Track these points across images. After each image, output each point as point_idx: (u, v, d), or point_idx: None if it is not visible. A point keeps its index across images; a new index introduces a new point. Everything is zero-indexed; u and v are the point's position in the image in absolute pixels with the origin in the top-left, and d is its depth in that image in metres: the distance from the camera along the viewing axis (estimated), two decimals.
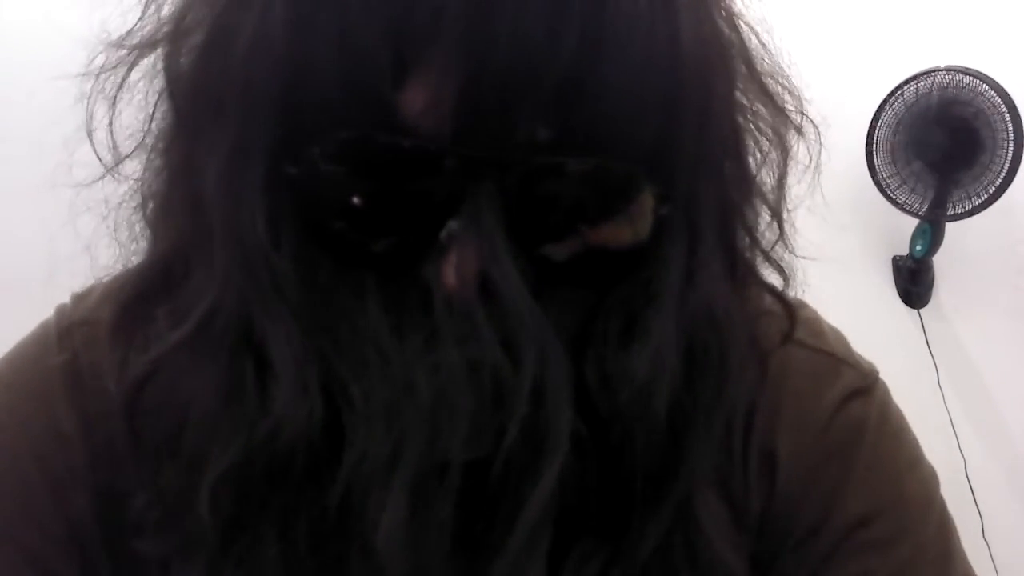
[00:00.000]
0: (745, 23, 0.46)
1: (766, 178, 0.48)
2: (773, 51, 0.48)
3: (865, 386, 0.52)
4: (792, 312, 0.50)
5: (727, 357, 0.44)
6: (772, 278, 0.49)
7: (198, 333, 0.40)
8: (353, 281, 0.40)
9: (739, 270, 0.46)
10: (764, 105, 0.47)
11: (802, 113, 0.49)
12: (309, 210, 0.39)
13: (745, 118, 0.46)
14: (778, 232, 0.48)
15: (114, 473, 0.46)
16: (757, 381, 0.48)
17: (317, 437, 0.39)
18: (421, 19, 0.36)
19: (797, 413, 0.50)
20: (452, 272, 0.38)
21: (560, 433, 0.38)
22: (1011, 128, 1.49)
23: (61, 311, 0.51)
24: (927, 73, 1.55)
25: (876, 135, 1.60)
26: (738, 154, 0.45)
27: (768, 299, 0.50)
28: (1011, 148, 1.50)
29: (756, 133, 0.47)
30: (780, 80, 0.48)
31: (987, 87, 1.50)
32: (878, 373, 0.54)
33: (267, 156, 0.39)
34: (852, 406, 0.51)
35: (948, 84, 1.54)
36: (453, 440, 0.38)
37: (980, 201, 1.54)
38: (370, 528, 0.38)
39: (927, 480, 0.53)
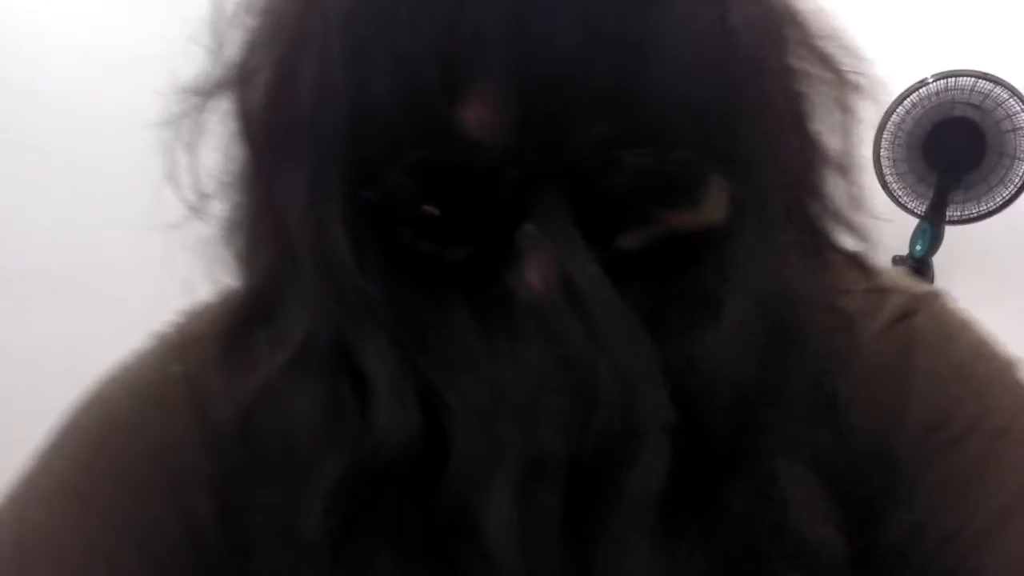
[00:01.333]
0: None
1: (833, 142, 0.47)
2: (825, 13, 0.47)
3: (914, 307, 0.50)
4: (871, 274, 0.49)
5: (807, 332, 0.43)
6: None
7: (297, 357, 0.42)
8: (437, 294, 0.41)
9: (814, 240, 0.46)
10: (821, 69, 0.46)
11: (861, 73, 0.48)
12: (389, 231, 0.41)
13: (804, 84, 0.46)
14: (849, 195, 0.48)
15: (230, 491, 0.48)
16: (847, 353, 0.47)
17: (419, 447, 0.40)
18: (464, 42, 0.38)
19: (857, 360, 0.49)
20: (533, 274, 0.40)
21: (653, 418, 0.39)
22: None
23: (177, 326, 0.53)
24: (942, 76, 1.51)
25: (882, 135, 1.56)
26: (800, 123, 0.45)
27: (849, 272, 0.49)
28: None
29: (817, 98, 0.47)
30: (836, 41, 0.47)
31: (1000, 89, 1.47)
32: (936, 294, 0.52)
33: (343, 185, 0.41)
34: (899, 327, 0.50)
35: (955, 87, 1.50)
36: (549, 436, 0.39)
37: (995, 205, 1.51)
38: (479, 526, 0.39)
39: (999, 366, 0.50)
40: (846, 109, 0.47)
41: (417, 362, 0.41)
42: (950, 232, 1.57)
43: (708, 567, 0.43)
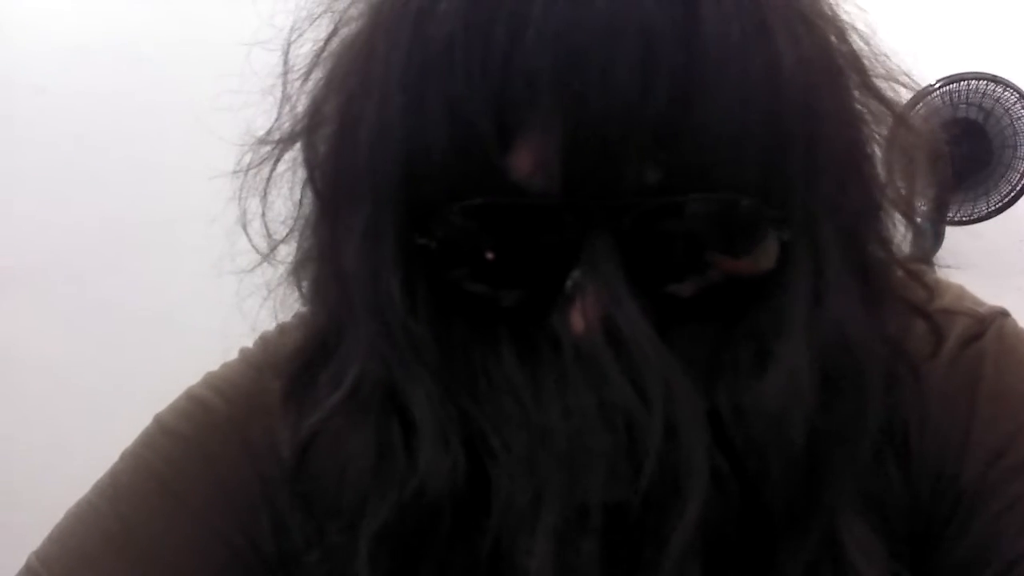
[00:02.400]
0: (853, 28, 0.46)
1: (896, 184, 0.47)
2: (887, 52, 0.47)
3: (980, 330, 0.49)
4: (938, 326, 0.48)
5: (865, 379, 0.42)
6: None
7: (349, 398, 0.43)
8: (486, 337, 0.42)
9: (874, 286, 0.45)
10: (882, 111, 0.46)
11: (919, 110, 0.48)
12: (440, 275, 0.42)
13: (866, 125, 0.46)
14: (912, 239, 0.47)
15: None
16: (911, 399, 0.46)
17: (463, 490, 0.40)
18: (517, 88, 0.38)
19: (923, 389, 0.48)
20: (578, 319, 0.40)
21: (698, 468, 0.39)
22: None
23: (264, 345, 0.55)
24: (949, 82, 1.48)
25: None
26: (859, 166, 0.45)
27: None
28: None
29: (876, 139, 0.46)
30: (899, 80, 0.47)
31: (1001, 89, 1.43)
32: (1000, 315, 0.50)
33: (397, 230, 0.42)
34: (966, 352, 0.48)
35: (959, 90, 1.47)
36: (592, 482, 0.39)
37: (996, 206, 1.47)
38: (521, 575, 0.39)
39: None
40: (906, 150, 0.47)
41: (463, 405, 0.41)
42: (950, 232, 1.52)
43: None
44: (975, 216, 1.52)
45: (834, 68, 0.44)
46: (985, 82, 1.47)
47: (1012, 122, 1.46)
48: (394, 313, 0.42)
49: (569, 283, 0.40)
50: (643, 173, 0.39)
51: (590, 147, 0.38)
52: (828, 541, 0.42)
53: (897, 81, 0.47)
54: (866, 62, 0.46)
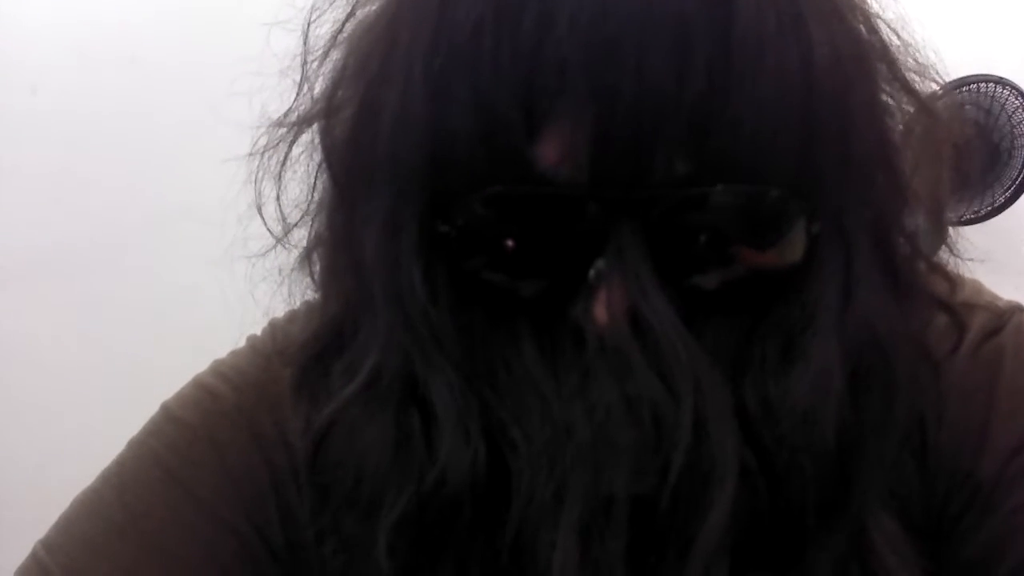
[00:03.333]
0: (884, 22, 0.45)
1: (925, 181, 0.46)
2: (917, 46, 0.46)
3: (999, 325, 0.49)
4: (960, 322, 0.47)
5: (894, 375, 0.42)
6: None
7: (367, 388, 0.42)
8: (507, 328, 0.41)
9: (901, 281, 0.44)
10: (912, 106, 0.46)
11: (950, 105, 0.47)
12: (462, 265, 0.41)
13: (892, 118, 0.45)
14: (939, 237, 0.47)
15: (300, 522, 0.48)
16: (931, 395, 0.46)
17: (483, 482, 0.40)
18: (546, 76, 0.37)
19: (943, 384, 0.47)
20: (603, 311, 0.39)
21: (727, 462, 0.38)
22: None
23: (273, 333, 0.54)
24: (955, 87, 1.47)
25: None
26: (888, 160, 0.44)
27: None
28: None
29: (906, 134, 0.46)
30: (929, 76, 0.46)
31: (1001, 88, 1.43)
32: (1019, 308, 0.50)
33: (418, 219, 0.41)
34: (985, 347, 0.48)
35: (963, 92, 1.46)
36: (616, 476, 0.38)
37: (996, 205, 1.47)
38: (543, 569, 0.39)
39: None
40: (937, 146, 0.46)
41: (484, 396, 0.41)
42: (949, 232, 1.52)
43: None
44: (974, 216, 1.51)
45: (865, 59, 0.43)
46: (990, 84, 1.46)
47: (1009, 122, 1.46)
48: (415, 302, 0.41)
49: (593, 274, 0.39)
50: (673, 164, 0.38)
51: (621, 138, 0.38)
52: (857, 538, 0.42)
53: (924, 75, 0.46)
54: (895, 53, 0.45)
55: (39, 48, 1.64)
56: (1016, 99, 1.46)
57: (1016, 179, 1.48)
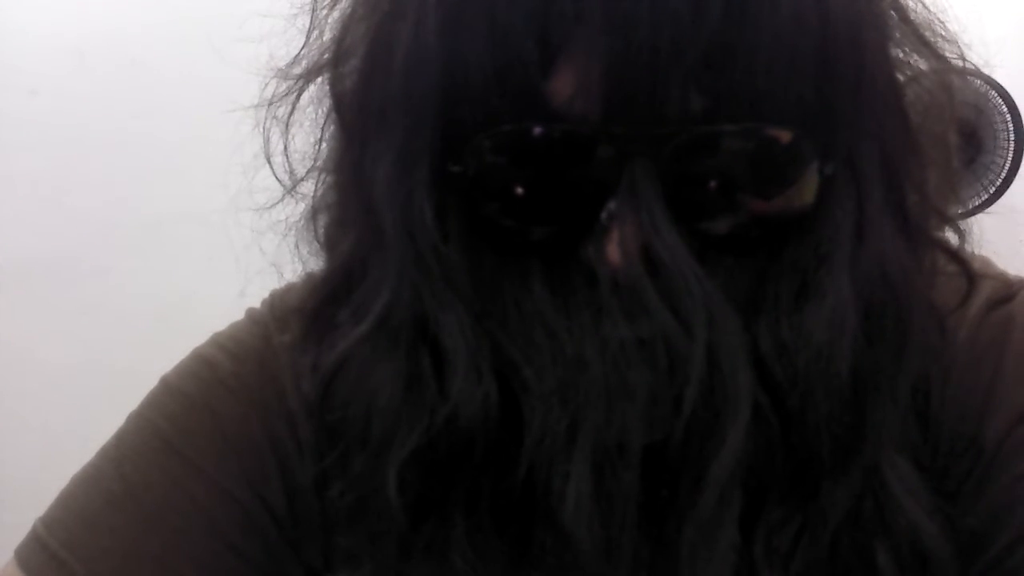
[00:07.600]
0: None
1: (932, 132, 0.46)
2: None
3: (1009, 294, 0.48)
4: (969, 271, 0.47)
5: (906, 317, 0.42)
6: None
7: (377, 327, 0.42)
8: (518, 267, 0.41)
9: (912, 226, 0.44)
10: (922, 55, 0.46)
11: (963, 60, 0.47)
12: (473, 203, 0.41)
13: (903, 72, 0.45)
14: (946, 185, 0.47)
15: (318, 462, 0.48)
16: (939, 345, 0.46)
17: (495, 419, 0.40)
18: (563, 6, 0.37)
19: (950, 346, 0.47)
20: (615, 250, 0.39)
21: (740, 396, 0.38)
22: (1011, 129, 1.44)
23: (271, 303, 0.54)
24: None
25: None
26: (899, 108, 0.44)
27: (943, 259, 0.47)
28: (1011, 149, 1.45)
29: (916, 86, 0.46)
30: (937, 28, 0.46)
31: (986, 87, 1.44)
32: None
33: (431, 156, 0.41)
34: (995, 313, 0.48)
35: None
36: (630, 413, 0.38)
37: (980, 202, 1.47)
38: (556, 503, 0.39)
39: None
40: (946, 95, 0.46)
41: (495, 335, 0.40)
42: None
43: (809, 560, 0.41)
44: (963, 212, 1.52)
45: (876, 5, 0.43)
46: (979, 82, 1.47)
47: (998, 118, 1.46)
48: (426, 238, 0.41)
49: (605, 214, 0.39)
50: (688, 100, 0.38)
51: (637, 69, 0.37)
52: (871, 476, 0.42)
53: (937, 28, 0.46)
54: (906, 4, 0.45)
55: (38, 50, 1.64)
56: (1002, 98, 1.46)
57: (998, 181, 1.48)
